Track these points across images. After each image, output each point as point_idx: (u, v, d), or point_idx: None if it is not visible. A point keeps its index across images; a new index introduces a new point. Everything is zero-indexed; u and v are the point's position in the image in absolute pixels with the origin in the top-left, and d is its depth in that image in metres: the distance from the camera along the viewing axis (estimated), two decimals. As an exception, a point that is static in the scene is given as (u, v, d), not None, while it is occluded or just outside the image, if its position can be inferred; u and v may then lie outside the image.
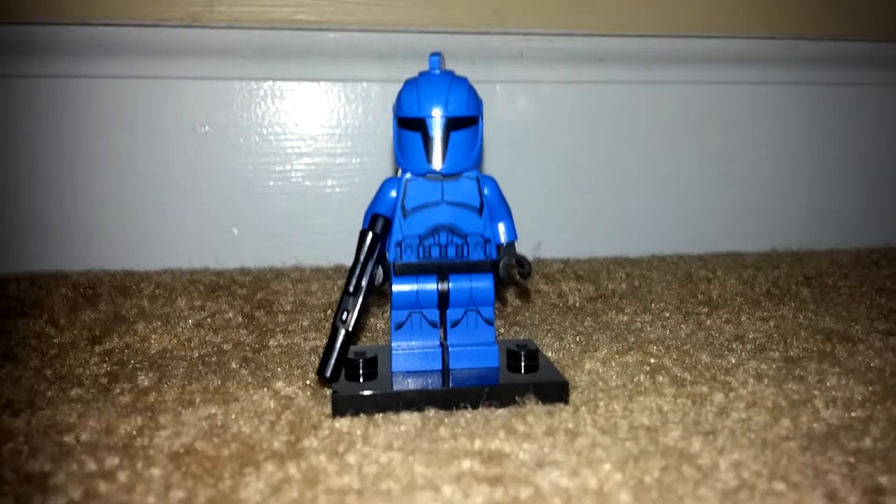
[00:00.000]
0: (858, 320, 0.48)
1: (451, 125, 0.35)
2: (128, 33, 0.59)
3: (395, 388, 0.34)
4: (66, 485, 0.27)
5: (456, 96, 0.35)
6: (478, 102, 0.36)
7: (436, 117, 0.35)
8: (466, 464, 0.29)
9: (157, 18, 0.59)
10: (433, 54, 0.36)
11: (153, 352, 0.43)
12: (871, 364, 0.40)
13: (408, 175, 0.36)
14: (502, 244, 0.37)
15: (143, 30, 0.59)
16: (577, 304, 0.53)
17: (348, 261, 0.35)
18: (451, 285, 0.36)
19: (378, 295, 0.52)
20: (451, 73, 0.36)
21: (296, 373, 0.39)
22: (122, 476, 0.28)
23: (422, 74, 0.36)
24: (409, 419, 0.33)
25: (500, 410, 0.34)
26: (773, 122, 0.71)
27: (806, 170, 0.72)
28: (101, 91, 0.60)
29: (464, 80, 0.36)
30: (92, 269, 0.58)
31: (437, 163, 0.35)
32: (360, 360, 0.36)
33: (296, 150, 0.63)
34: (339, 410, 0.34)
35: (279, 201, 0.63)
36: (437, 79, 0.35)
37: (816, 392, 0.36)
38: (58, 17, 0.58)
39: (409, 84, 0.36)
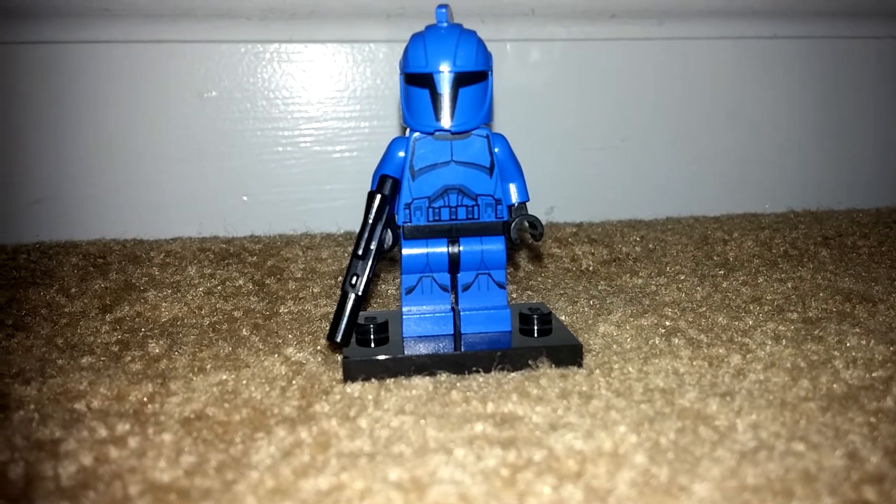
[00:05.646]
0: (878, 280, 0.47)
1: (460, 80, 0.34)
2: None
3: (407, 352, 0.34)
4: (77, 451, 0.27)
5: (465, 50, 0.34)
6: (487, 56, 0.35)
7: (444, 72, 0.34)
8: (479, 427, 0.28)
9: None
10: (440, 6, 0.35)
11: (164, 320, 0.42)
12: (892, 324, 0.39)
13: (416, 134, 0.35)
14: (514, 205, 0.36)
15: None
16: (591, 268, 0.52)
17: (358, 227, 0.35)
18: (461, 248, 0.36)
19: (388, 261, 0.52)
20: (459, 27, 0.35)
21: (307, 339, 0.39)
22: (133, 442, 0.28)
23: (429, 28, 0.35)
24: (421, 383, 0.33)
25: (513, 374, 0.33)
26: (789, 78, 0.69)
27: (822, 128, 0.70)
28: (107, 57, 0.59)
29: (472, 34, 0.35)
30: (102, 239, 0.58)
31: (445, 120, 0.34)
32: (371, 326, 0.35)
33: (303, 114, 0.62)
34: (350, 375, 0.33)
35: (288, 167, 0.63)
36: (444, 32, 0.34)
37: (836, 353, 0.35)
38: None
39: (416, 38, 0.35)
